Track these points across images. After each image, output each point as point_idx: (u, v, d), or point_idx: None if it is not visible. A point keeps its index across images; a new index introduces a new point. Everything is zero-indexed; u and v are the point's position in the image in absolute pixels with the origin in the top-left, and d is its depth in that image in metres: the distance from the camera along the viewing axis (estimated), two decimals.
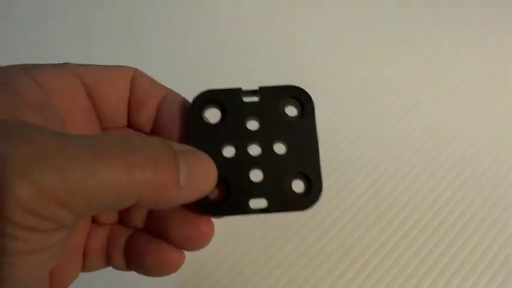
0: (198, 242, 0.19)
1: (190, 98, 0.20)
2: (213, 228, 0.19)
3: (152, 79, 0.20)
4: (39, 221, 0.13)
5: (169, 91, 0.20)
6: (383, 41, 0.43)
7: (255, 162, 0.19)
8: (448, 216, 0.33)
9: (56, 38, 0.44)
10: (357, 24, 0.45)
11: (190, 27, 0.45)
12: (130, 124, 0.20)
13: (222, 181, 0.19)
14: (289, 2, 0.47)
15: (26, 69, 0.17)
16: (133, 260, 0.19)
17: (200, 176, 0.17)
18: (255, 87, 0.20)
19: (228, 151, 0.19)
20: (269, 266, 0.30)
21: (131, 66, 0.20)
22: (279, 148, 0.19)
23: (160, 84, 0.20)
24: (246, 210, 0.18)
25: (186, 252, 0.19)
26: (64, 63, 0.19)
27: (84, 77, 0.19)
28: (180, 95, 0.20)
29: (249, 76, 0.41)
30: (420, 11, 0.46)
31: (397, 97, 0.39)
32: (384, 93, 0.40)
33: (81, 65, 0.19)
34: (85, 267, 0.19)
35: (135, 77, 0.20)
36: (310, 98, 0.20)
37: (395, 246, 0.31)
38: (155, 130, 0.20)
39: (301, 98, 0.20)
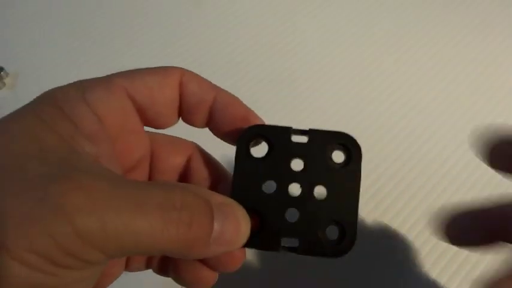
0: (230, 266, 0.20)
1: None
2: (245, 254, 0.20)
3: (200, 78, 0.20)
4: (75, 261, 0.14)
5: (219, 92, 0.20)
6: (382, 41, 0.43)
7: (293, 202, 0.19)
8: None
9: (55, 36, 0.44)
10: (356, 23, 0.45)
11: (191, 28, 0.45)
12: (185, 120, 0.21)
13: (258, 214, 0.19)
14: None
15: (81, 92, 0.17)
16: (169, 271, 0.21)
17: (232, 235, 0.18)
18: (305, 127, 0.20)
19: (269, 187, 0.19)
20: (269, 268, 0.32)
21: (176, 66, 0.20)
22: (320, 192, 0.19)
23: (209, 84, 0.20)
24: (277, 247, 0.19)
25: None
26: (110, 79, 0.19)
27: (133, 95, 0.19)
28: (228, 93, 0.21)
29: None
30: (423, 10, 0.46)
31: (397, 97, 0.40)
32: (384, 93, 0.40)
33: (127, 77, 0.19)
34: (128, 268, 0.21)
35: (183, 81, 0.20)
36: (359, 147, 0.20)
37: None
38: (210, 127, 0.21)
39: (349, 146, 0.20)
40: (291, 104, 0.39)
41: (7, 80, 0.39)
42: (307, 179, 0.20)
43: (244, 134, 0.20)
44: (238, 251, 0.19)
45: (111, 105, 0.18)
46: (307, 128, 0.20)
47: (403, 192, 0.34)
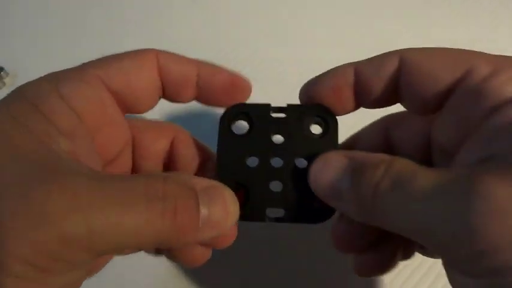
0: (223, 244, 0.21)
1: None
2: (236, 230, 0.21)
3: (177, 56, 0.20)
4: (63, 265, 0.14)
5: (200, 65, 0.20)
6: (381, 41, 0.43)
7: (276, 174, 0.20)
8: None
9: (55, 36, 0.45)
10: (355, 23, 0.44)
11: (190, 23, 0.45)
12: (169, 99, 0.21)
13: (243, 187, 0.20)
14: None
15: (54, 84, 0.17)
16: (163, 251, 0.21)
17: (221, 216, 0.17)
18: (283, 104, 0.21)
19: (252, 161, 0.20)
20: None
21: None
22: (301, 163, 0.20)
23: (188, 60, 0.20)
24: (263, 217, 0.20)
25: None
26: (83, 69, 0.18)
27: (109, 84, 0.18)
28: (209, 63, 0.21)
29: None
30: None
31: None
32: None
33: (101, 65, 0.18)
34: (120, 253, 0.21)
35: (161, 62, 0.19)
36: (335, 117, 0.21)
37: None
38: (198, 99, 0.21)
39: (326, 117, 0.21)
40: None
41: (7, 80, 0.40)
42: (288, 152, 0.21)
43: (226, 113, 0.21)
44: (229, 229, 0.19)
45: (87, 97, 0.17)
46: (285, 104, 0.21)
47: None
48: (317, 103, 0.21)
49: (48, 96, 0.16)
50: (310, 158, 0.20)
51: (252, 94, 0.22)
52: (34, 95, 0.16)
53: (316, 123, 0.21)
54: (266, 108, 0.21)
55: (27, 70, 0.41)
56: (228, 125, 0.21)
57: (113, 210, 0.14)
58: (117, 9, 0.46)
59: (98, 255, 0.15)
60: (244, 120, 0.21)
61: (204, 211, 0.17)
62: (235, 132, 0.21)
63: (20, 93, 0.16)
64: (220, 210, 0.17)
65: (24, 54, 0.43)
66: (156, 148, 0.22)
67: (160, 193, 0.15)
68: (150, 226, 0.15)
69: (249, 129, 0.21)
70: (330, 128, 0.21)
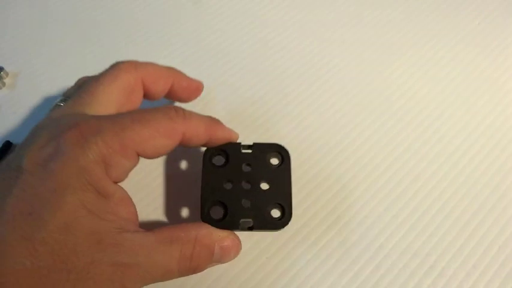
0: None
1: None
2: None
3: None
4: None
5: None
6: (380, 46, 0.45)
7: (246, 194, 0.28)
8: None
9: (56, 36, 0.45)
10: (354, 26, 0.46)
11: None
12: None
13: (222, 205, 0.28)
14: None
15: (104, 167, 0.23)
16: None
17: (229, 258, 0.27)
18: (250, 143, 0.28)
19: (228, 185, 0.28)
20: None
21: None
22: (264, 186, 0.28)
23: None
24: (237, 227, 0.28)
25: None
26: (125, 143, 0.24)
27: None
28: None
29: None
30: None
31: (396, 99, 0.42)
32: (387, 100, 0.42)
33: (135, 134, 0.25)
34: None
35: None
36: (287, 153, 0.28)
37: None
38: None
39: (281, 152, 0.28)
40: (291, 101, 0.41)
41: (7, 80, 0.41)
42: (254, 178, 0.28)
43: (207, 150, 0.28)
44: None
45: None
46: (251, 143, 0.28)
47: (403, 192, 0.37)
48: (275, 143, 0.28)
49: (103, 181, 0.23)
50: (271, 182, 0.28)
51: None
52: (93, 179, 0.22)
53: (274, 156, 0.28)
54: (238, 146, 0.28)
55: (27, 70, 0.42)
56: (209, 158, 0.28)
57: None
58: (119, 10, 0.47)
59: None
60: (221, 155, 0.28)
61: (215, 260, 0.26)
62: (215, 164, 0.28)
63: (81, 175, 0.22)
64: (229, 259, 0.26)
65: (24, 54, 0.43)
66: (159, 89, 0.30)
67: (189, 254, 0.24)
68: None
69: (225, 162, 0.28)
70: (285, 160, 0.28)
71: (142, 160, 0.26)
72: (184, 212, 0.34)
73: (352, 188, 0.37)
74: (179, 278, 0.25)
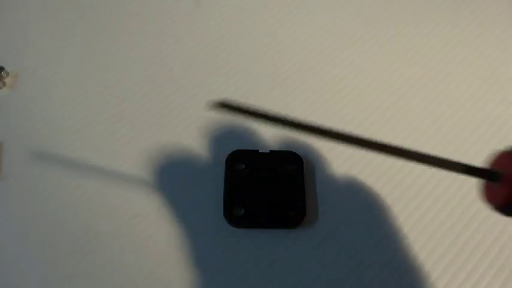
0: None
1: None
2: None
3: None
4: None
5: None
6: (379, 46, 0.45)
7: (264, 196, 0.30)
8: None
9: (56, 36, 0.45)
10: (352, 26, 0.46)
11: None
12: None
13: (243, 205, 0.31)
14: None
15: None
16: None
17: None
18: (267, 150, 0.32)
19: (247, 187, 0.30)
20: None
21: None
22: (280, 188, 0.30)
23: None
24: (257, 225, 0.31)
25: None
26: None
27: None
28: None
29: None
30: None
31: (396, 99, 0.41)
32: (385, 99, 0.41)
33: None
34: None
35: None
36: (301, 159, 0.30)
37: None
38: None
39: (296, 159, 0.30)
40: (291, 103, 0.40)
41: (7, 80, 0.41)
42: (272, 181, 0.30)
43: (229, 157, 0.32)
44: None
45: None
46: (268, 151, 0.31)
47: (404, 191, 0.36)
48: (290, 150, 0.31)
49: None
50: (286, 185, 0.29)
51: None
52: None
53: (289, 163, 0.30)
54: (256, 152, 0.30)
55: (27, 70, 0.42)
56: (231, 163, 0.31)
57: None
58: (118, 10, 0.47)
59: None
60: (241, 161, 0.30)
61: None
62: (237, 169, 0.30)
63: None
64: None
65: (24, 55, 0.43)
66: None
67: None
68: None
69: (245, 167, 0.30)
70: (299, 166, 0.30)
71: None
72: (208, 210, 0.33)
73: None
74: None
